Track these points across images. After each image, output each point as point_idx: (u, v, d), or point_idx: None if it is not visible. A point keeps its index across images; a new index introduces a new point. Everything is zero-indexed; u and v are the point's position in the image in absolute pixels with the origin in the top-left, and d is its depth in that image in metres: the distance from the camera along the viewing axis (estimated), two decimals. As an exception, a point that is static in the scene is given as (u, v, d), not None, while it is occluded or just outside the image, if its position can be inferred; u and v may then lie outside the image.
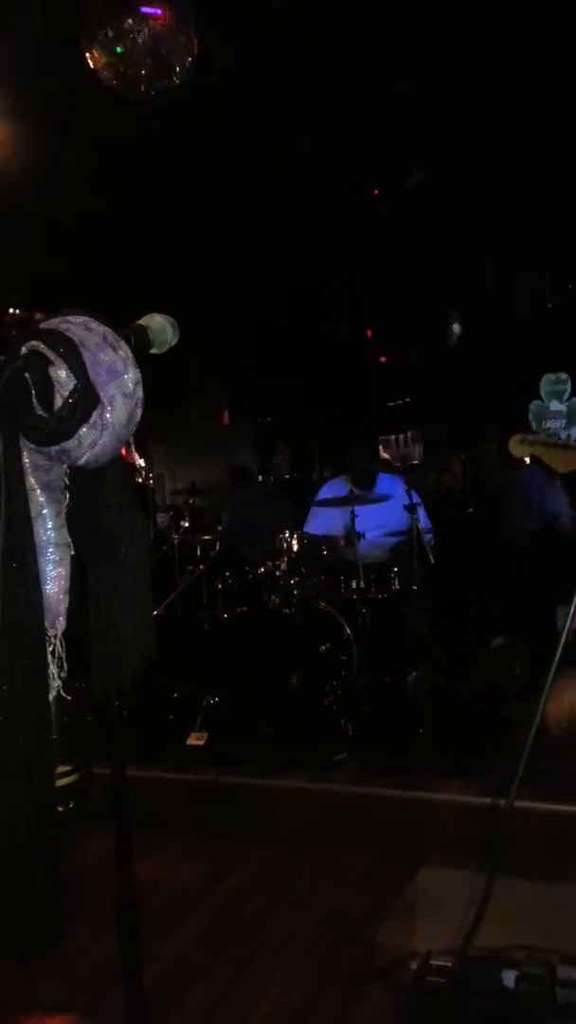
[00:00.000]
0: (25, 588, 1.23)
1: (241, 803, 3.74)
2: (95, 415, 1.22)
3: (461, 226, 7.36)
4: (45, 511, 1.28)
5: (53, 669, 1.29)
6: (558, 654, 2.26)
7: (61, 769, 3.35)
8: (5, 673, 1.20)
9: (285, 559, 4.65)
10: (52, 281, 5.50)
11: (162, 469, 11.01)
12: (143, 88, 3.51)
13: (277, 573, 4.62)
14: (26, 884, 1.28)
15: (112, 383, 1.25)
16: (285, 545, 4.70)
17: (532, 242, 7.77)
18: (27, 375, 1.19)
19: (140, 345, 1.33)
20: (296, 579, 4.59)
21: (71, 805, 3.43)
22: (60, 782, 3.32)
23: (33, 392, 1.19)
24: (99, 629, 1.37)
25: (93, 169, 5.60)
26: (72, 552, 1.32)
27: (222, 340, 10.48)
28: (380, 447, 7.94)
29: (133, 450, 7.13)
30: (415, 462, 9.94)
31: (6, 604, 1.20)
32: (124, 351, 1.28)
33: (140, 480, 6.89)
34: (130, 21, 3.31)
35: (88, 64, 3.50)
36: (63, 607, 1.31)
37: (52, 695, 1.28)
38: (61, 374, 1.19)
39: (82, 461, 1.25)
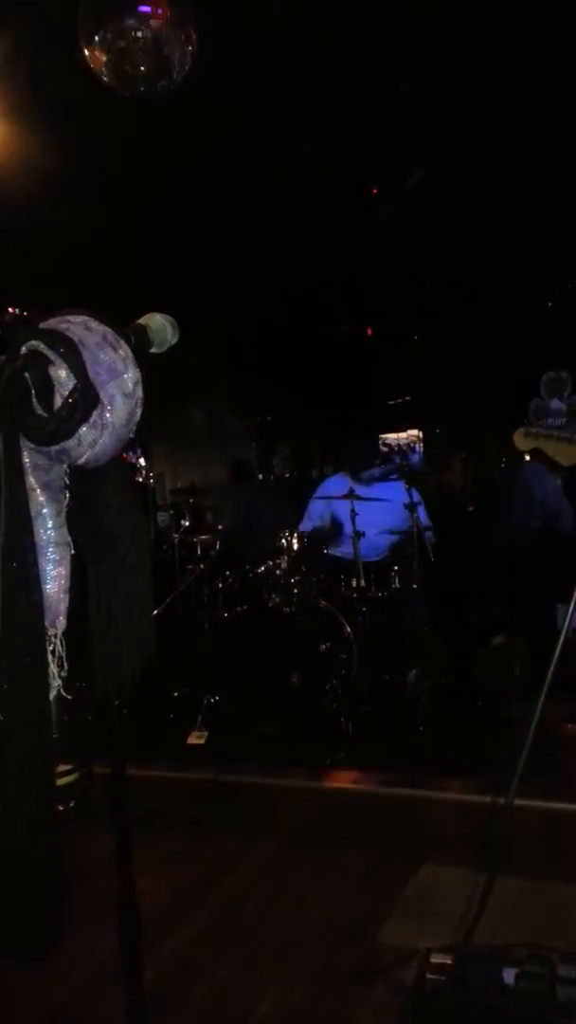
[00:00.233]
0: (25, 587, 1.23)
1: (241, 802, 3.74)
2: (95, 415, 1.22)
3: (461, 226, 7.36)
4: (45, 510, 1.28)
5: (53, 668, 1.29)
6: (557, 652, 2.26)
7: (61, 768, 3.35)
8: (6, 672, 1.21)
9: (285, 558, 4.65)
10: (52, 280, 5.51)
11: (162, 468, 11.01)
12: (143, 87, 3.51)
13: (277, 572, 4.62)
14: (26, 883, 1.28)
15: (112, 382, 1.25)
16: (285, 544, 4.70)
17: (532, 241, 7.76)
18: (27, 375, 1.19)
19: (140, 344, 1.34)
20: (296, 578, 4.59)
21: (71, 804, 3.43)
22: (60, 781, 3.31)
23: (33, 392, 1.19)
24: (99, 628, 1.38)
25: (93, 169, 5.60)
26: (72, 551, 1.32)
27: (223, 339, 10.50)
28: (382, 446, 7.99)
29: (138, 452, 7.14)
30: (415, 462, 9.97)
31: (7, 603, 1.20)
32: (124, 350, 1.28)
33: (140, 479, 6.90)
34: (130, 20, 3.31)
35: (88, 63, 3.50)
36: (63, 606, 1.31)
37: (52, 694, 1.29)
38: (61, 374, 1.20)
39: (82, 460, 1.26)
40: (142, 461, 7.79)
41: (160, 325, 1.39)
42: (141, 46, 3.35)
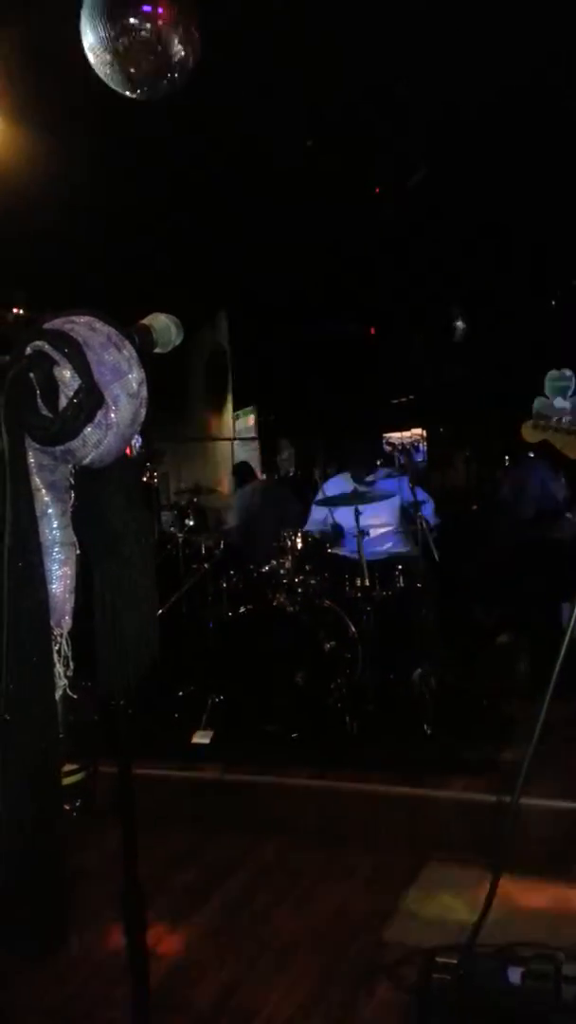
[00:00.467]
0: (31, 587, 1.23)
1: (246, 801, 3.74)
2: (99, 415, 1.22)
3: (463, 224, 7.36)
4: (50, 510, 1.29)
5: (59, 668, 1.29)
6: (563, 651, 2.26)
7: (67, 768, 3.36)
8: (12, 672, 1.21)
9: (289, 557, 4.65)
10: (56, 281, 5.51)
11: (166, 468, 11.00)
12: (144, 87, 3.51)
13: (281, 571, 4.62)
14: (32, 883, 1.28)
15: (116, 383, 1.25)
16: (289, 543, 4.70)
17: (532, 241, 7.76)
18: (32, 375, 1.19)
19: (144, 345, 1.34)
20: (300, 577, 4.59)
21: (77, 804, 3.44)
22: (66, 781, 3.33)
23: (38, 392, 1.19)
24: (104, 628, 1.38)
25: (95, 169, 5.60)
26: (77, 551, 1.32)
27: (226, 338, 10.50)
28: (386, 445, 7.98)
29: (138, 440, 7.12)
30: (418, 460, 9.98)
31: (13, 603, 1.20)
32: (128, 351, 1.28)
33: (145, 479, 6.90)
34: (132, 19, 3.30)
35: (89, 63, 3.50)
36: (69, 606, 1.31)
37: (58, 694, 1.29)
38: (66, 374, 1.20)
39: (87, 461, 1.26)
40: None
41: (164, 325, 1.39)
42: (143, 46, 3.34)
